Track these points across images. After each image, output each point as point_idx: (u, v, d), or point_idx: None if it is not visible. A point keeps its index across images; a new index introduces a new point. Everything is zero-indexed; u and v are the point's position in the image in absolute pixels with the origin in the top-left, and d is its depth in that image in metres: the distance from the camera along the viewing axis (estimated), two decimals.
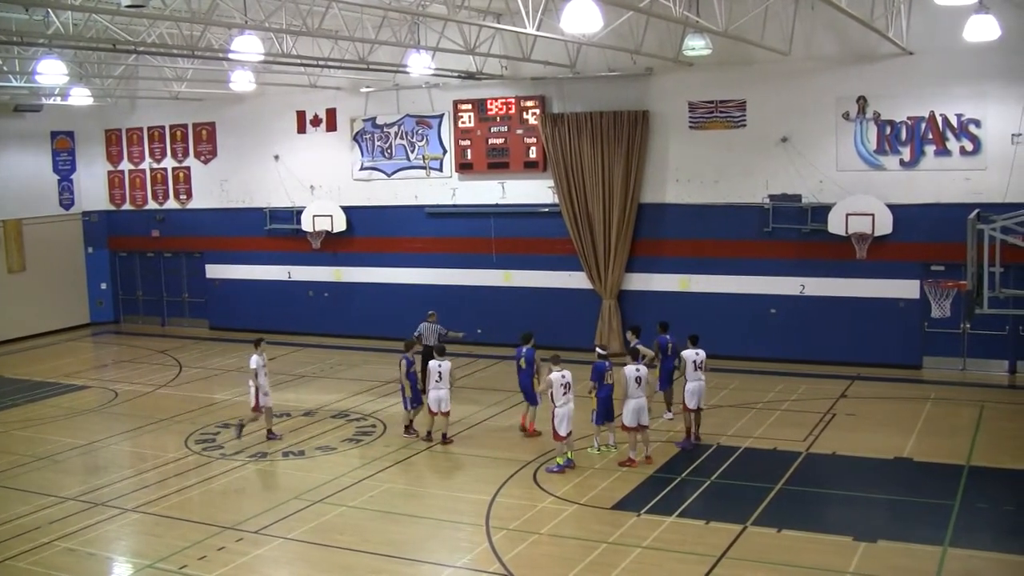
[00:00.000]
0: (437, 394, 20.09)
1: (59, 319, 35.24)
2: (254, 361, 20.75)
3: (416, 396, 20.76)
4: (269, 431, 21.13)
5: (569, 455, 18.35)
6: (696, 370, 19.55)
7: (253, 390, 20.68)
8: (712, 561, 14.14)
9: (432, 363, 20.29)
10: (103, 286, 36.66)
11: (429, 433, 20.54)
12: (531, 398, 20.57)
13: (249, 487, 18.20)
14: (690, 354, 19.64)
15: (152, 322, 36.12)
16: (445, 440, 20.38)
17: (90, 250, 36.42)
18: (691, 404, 19.54)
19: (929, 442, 19.47)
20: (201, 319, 35.08)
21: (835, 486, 17.55)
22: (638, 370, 18.37)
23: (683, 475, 17.84)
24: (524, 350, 20.67)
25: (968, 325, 24.10)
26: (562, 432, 18.10)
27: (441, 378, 20.03)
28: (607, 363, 19.22)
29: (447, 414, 20.36)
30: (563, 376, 18.18)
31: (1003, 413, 21.64)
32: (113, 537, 16.11)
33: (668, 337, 21.08)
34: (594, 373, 18.94)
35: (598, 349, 20.87)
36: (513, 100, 28.51)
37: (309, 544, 15.41)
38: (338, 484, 17.96)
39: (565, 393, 18.12)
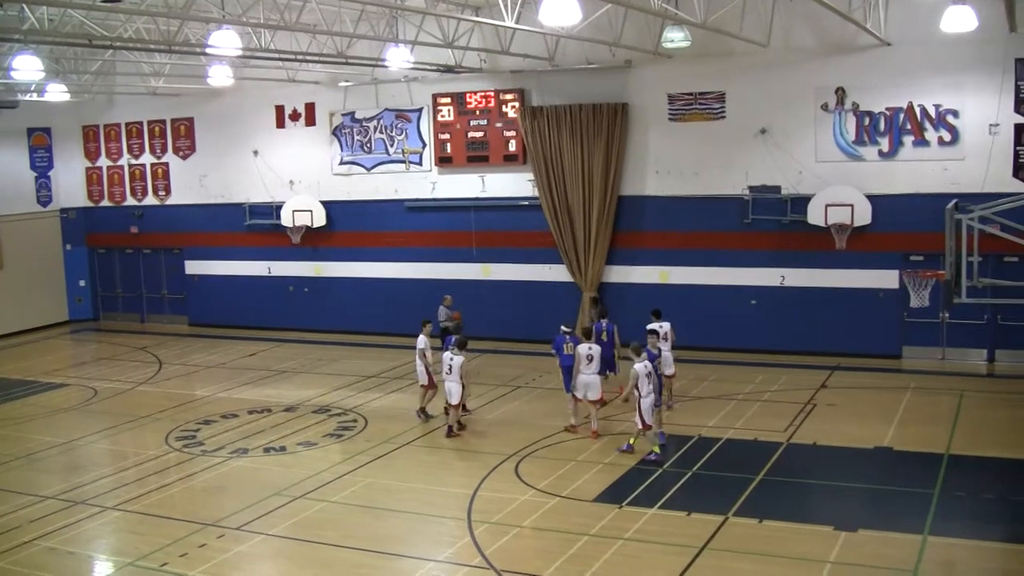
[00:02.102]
0: (448, 386, 20.33)
1: (38, 317, 35.07)
2: (422, 341, 21.28)
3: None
4: (423, 409, 21.69)
5: (634, 441, 18.59)
6: (664, 340, 20.96)
7: (423, 368, 21.23)
8: (694, 552, 14.17)
9: (445, 355, 20.53)
10: (82, 283, 36.50)
11: (450, 428, 20.64)
12: (611, 367, 21.91)
13: (230, 483, 18.11)
14: (656, 326, 20.99)
15: (131, 319, 35.98)
16: (450, 433, 20.44)
17: (68, 247, 36.25)
18: (668, 371, 21.10)
19: (909, 431, 19.56)
20: (181, 315, 34.96)
21: (816, 476, 17.61)
22: (590, 348, 19.84)
23: (664, 467, 17.86)
24: (605, 323, 22.02)
25: (947, 314, 24.22)
26: (649, 422, 18.20)
27: (451, 371, 20.15)
28: (563, 337, 20.87)
29: (456, 407, 20.42)
30: (645, 367, 18.21)
31: (982, 402, 21.76)
32: (94, 535, 16.02)
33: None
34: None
35: (563, 327, 21.53)
36: (492, 93, 28.49)
37: (291, 540, 15.37)
38: (320, 479, 17.92)
39: (649, 384, 18.19)
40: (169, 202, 34.63)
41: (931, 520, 15.03)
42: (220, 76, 27.37)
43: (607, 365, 21.59)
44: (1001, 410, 21.08)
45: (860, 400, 22.08)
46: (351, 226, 31.31)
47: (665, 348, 20.92)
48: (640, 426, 18.24)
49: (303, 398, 23.95)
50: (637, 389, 18.08)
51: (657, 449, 18.27)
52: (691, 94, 26.40)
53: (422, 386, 21.58)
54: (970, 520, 15.19)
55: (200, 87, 30.93)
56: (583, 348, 19.95)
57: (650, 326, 20.78)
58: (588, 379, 19.86)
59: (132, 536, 15.85)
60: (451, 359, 20.22)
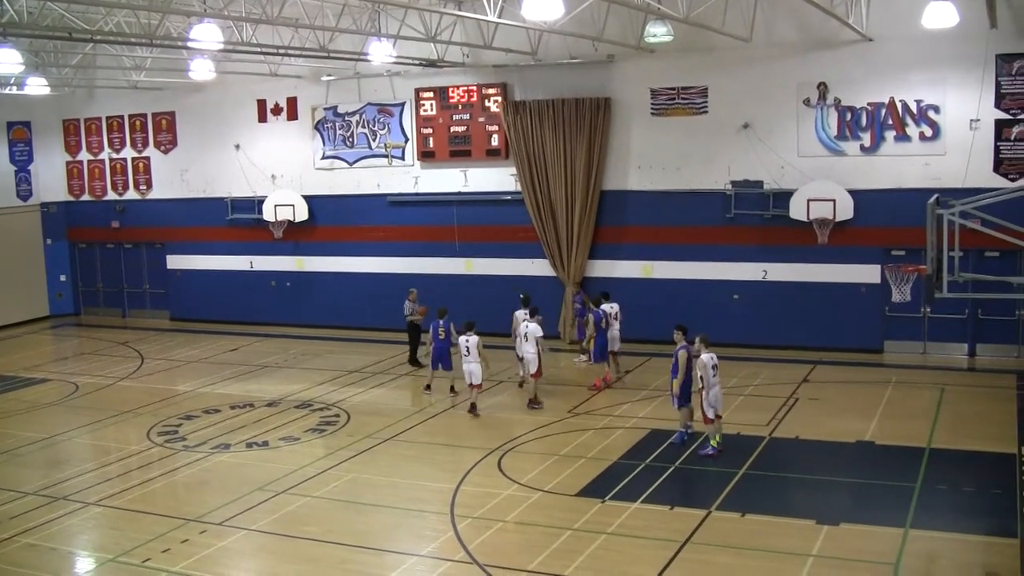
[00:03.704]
0: (468, 367, 21.18)
1: (18, 312, 34.88)
2: (537, 330, 21.80)
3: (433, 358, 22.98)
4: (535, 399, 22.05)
5: (718, 438, 18.28)
6: (615, 320, 23.26)
7: (536, 357, 21.61)
8: (677, 546, 14.20)
9: (461, 338, 21.41)
10: (63, 278, 36.33)
11: (473, 406, 21.50)
12: (603, 356, 23.06)
13: (213, 479, 18.06)
14: (607, 307, 23.18)
15: (113, 314, 35.83)
16: (472, 411, 21.39)
17: (49, 242, 36.07)
18: (615, 347, 23.37)
19: (890, 425, 19.64)
20: (162, 310, 34.84)
21: (798, 470, 17.66)
22: (525, 314, 22.58)
23: (647, 461, 17.90)
24: (601, 312, 22.95)
25: (928, 309, 24.33)
26: (710, 415, 18.08)
27: (469, 352, 21.05)
28: (600, 313, 22.77)
29: (479, 387, 21.44)
30: (712, 358, 18.14)
31: (963, 396, 21.87)
32: (75, 531, 15.96)
33: (602, 311, 23.23)
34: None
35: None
36: (475, 88, 28.45)
37: (273, 535, 15.34)
38: (302, 474, 17.88)
39: (715, 375, 18.10)
40: (150, 196, 34.49)
41: (912, 513, 15.11)
42: (202, 70, 27.27)
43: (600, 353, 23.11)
44: (982, 404, 21.18)
45: (842, 394, 22.17)
46: (333, 221, 31.25)
47: (615, 327, 23.21)
48: (704, 420, 18.17)
49: (285, 393, 23.89)
50: (702, 380, 18.05)
51: (715, 443, 18.21)
52: (673, 89, 26.42)
53: (535, 375, 21.82)
54: (951, 513, 15.27)
55: (181, 81, 30.83)
56: (519, 313, 23.02)
57: (603, 306, 23.10)
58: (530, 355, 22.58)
59: (114, 532, 15.79)
60: (467, 340, 21.12)
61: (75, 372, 27.33)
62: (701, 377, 18.03)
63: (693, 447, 18.59)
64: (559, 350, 26.06)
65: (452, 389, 22.97)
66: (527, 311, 22.60)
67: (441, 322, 22.64)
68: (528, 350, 21.68)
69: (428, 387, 23.38)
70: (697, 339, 18.47)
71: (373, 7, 24.75)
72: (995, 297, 21.54)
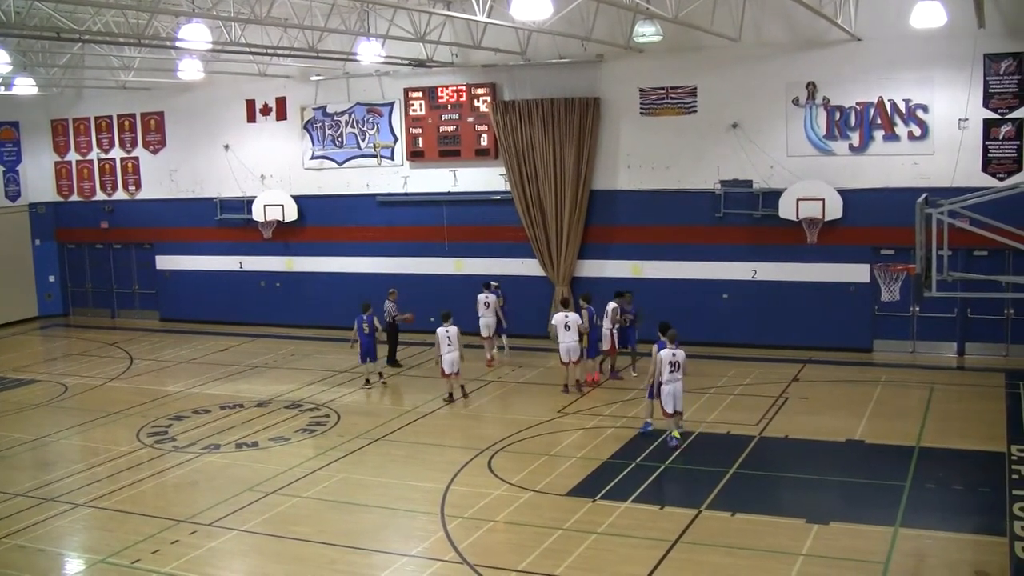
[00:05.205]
0: (452, 356, 21.88)
1: (7, 313, 34.76)
2: (576, 318, 22.57)
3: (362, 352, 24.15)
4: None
5: (676, 433, 18.54)
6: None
7: (577, 345, 22.51)
8: (667, 546, 14.20)
9: (440, 330, 22.01)
10: (51, 279, 36.23)
11: (451, 395, 22.45)
12: (595, 351, 23.64)
13: (202, 479, 18.02)
14: (591, 310, 23.18)
15: (102, 314, 35.74)
16: (464, 395, 22.60)
17: (38, 242, 35.96)
18: (606, 346, 23.50)
19: (880, 424, 19.68)
20: (152, 311, 34.75)
21: (788, 469, 17.70)
22: (487, 296, 25.16)
23: (637, 460, 17.90)
24: (593, 309, 23.27)
25: (917, 308, 24.41)
26: (668, 409, 18.36)
27: (451, 342, 21.83)
28: (592, 309, 23.13)
29: (457, 374, 22.39)
30: (673, 355, 18.31)
31: (952, 394, 21.93)
32: (64, 533, 15.90)
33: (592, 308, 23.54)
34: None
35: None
36: (464, 88, 28.44)
37: (263, 536, 15.31)
38: (292, 475, 17.85)
39: (673, 371, 18.26)
40: (139, 197, 34.41)
41: (902, 512, 15.13)
42: (190, 70, 27.22)
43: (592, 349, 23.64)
44: (970, 403, 21.25)
45: (832, 393, 22.20)
46: (322, 221, 31.21)
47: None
48: (663, 414, 18.49)
49: (275, 393, 23.86)
50: (660, 376, 18.27)
51: (677, 435, 18.48)
52: (663, 88, 26.44)
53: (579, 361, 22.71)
54: (940, 512, 15.31)
55: (170, 81, 30.78)
56: (481, 296, 25.41)
57: (585, 309, 23.07)
58: (488, 321, 25.46)
59: (103, 533, 15.75)
60: (448, 331, 21.90)
61: (64, 373, 27.25)
62: (659, 372, 18.35)
63: (661, 439, 18.80)
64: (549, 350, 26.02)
65: (380, 376, 24.47)
66: (485, 294, 25.60)
67: (365, 317, 23.90)
68: (572, 338, 22.25)
69: (369, 382, 24.23)
70: (667, 335, 18.77)
71: (362, 7, 24.73)
72: (984, 296, 21.63)
